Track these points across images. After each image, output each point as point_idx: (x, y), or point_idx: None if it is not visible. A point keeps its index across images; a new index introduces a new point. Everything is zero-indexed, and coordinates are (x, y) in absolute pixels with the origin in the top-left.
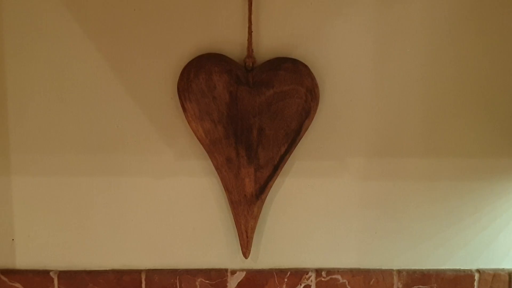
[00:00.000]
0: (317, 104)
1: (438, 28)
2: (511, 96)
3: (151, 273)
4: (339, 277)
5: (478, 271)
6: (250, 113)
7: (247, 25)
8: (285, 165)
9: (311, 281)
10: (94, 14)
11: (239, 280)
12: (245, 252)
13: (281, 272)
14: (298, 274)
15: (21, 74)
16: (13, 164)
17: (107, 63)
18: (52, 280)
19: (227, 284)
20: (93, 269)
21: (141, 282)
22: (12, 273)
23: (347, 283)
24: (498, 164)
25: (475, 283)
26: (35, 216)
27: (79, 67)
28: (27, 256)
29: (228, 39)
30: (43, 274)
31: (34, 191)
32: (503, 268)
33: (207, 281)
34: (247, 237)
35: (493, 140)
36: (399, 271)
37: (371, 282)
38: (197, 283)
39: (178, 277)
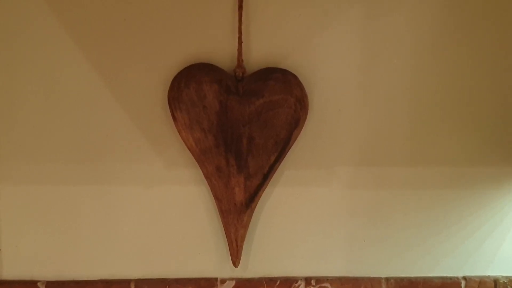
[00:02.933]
0: (306, 114)
1: (424, 39)
2: (495, 106)
3: (140, 282)
4: (328, 285)
5: (464, 278)
6: (240, 122)
7: (237, 36)
8: (275, 174)
9: None
10: (84, 23)
11: None
12: (235, 261)
13: (270, 280)
14: (288, 282)
15: (10, 83)
16: (0, 172)
17: (97, 73)
18: None
19: None
20: (82, 279)
21: None
22: None
23: None
24: (483, 172)
25: None
26: (23, 226)
27: (69, 76)
28: (14, 267)
29: (218, 49)
30: (31, 284)
31: (22, 201)
32: (489, 275)
33: None
34: (237, 246)
35: (478, 149)
36: (387, 279)
37: None
38: None
39: (167, 286)
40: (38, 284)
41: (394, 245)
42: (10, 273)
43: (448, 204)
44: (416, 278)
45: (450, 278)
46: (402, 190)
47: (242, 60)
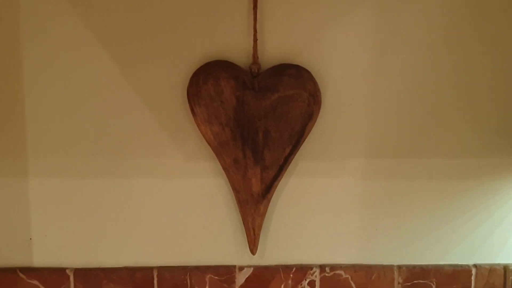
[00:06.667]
0: (319, 108)
1: (434, 34)
2: (503, 98)
3: (163, 270)
4: (342, 272)
5: (475, 266)
6: (256, 117)
7: (253, 33)
8: (290, 166)
9: (316, 276)
10: (107, 23)
11: (246, 276)
12: (253, 249)
13: (286, 268)
14: (303, 270)
15: (37, 81)
16: (31, 166)
17: (120, 70)
18: (68, 277)
19: (235, 280)
20: (107, 266)
21: (153, 279)
22: (30, 271)
23: (350, 278)
24: (492, 163)
25: (472, 278)
26: (51, 216)
27: (93, 74)
28: (44, 254)
29: (235, 46)
30: (60, 271)
31: (50, 192)
32: (499, 263)
33: (216, 277)
34: (254, 234)
35: (488, 140)
36: (399, 267)
37: (373, 277)
38: (206, 279)
39: (188, 273)
40: (67, 271)
41: (406, 234)
42: (40, 261)
43: (458, 194)
44: (427, 266)
45: (461, 266)
46: (413, 181)
47: (258, 57)
